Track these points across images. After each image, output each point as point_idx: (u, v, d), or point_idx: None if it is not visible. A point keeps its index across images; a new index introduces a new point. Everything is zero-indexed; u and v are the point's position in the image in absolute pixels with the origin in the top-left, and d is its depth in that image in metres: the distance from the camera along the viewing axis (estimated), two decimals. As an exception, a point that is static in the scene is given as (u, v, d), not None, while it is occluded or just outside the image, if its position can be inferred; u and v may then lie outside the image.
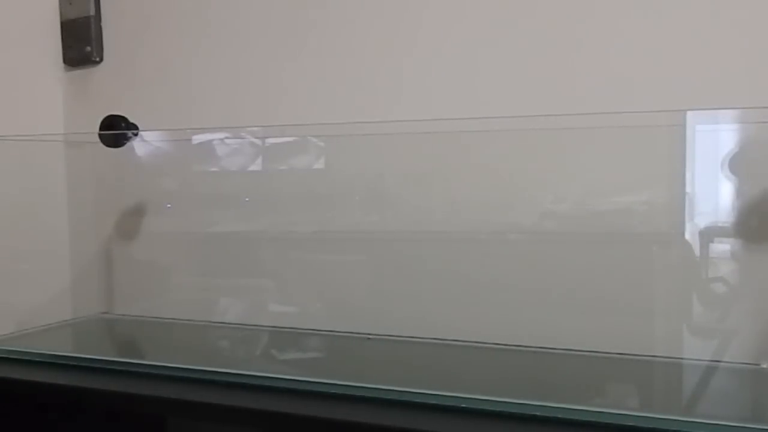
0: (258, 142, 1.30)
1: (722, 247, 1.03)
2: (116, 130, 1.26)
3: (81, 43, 1.43)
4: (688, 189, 1.01)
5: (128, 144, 1.31)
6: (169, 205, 1.38)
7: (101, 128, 1.26)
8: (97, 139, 1.30)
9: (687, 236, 1.02)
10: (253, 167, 1.34)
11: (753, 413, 0.89)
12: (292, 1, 1.27)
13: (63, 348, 1.23)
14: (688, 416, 0.76)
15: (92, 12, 1.42)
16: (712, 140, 1.02)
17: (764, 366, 0.93)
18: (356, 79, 1.22)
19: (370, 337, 1.15)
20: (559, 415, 0.77)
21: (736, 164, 0.99)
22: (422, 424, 0.77)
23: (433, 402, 0.82)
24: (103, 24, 1.43)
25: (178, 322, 1.30)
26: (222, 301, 1.32)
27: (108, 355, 1.09)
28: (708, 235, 1.02)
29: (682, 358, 1.02)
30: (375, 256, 1.22)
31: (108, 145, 1.29)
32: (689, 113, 0.97)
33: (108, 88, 1.42)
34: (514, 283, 1.11)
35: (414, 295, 1.17)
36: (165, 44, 1.38)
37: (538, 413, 0.78)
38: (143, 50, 1.39)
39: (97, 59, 1.43)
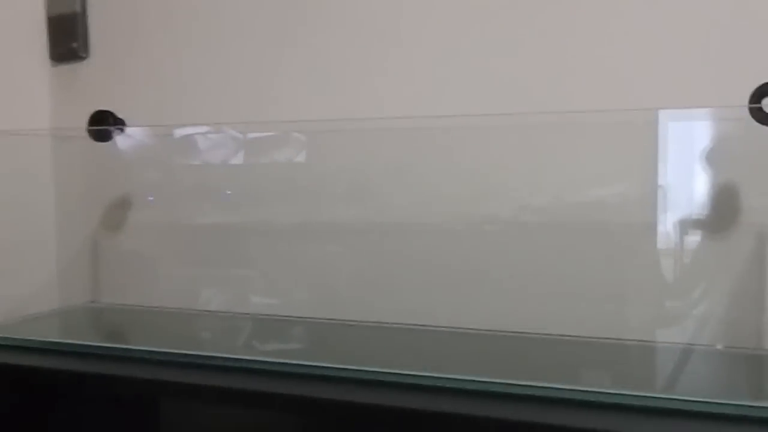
0: (240, 136, 1.34)
1: (692, 236, 1.08)
2: (104, 126, 1.30)
3: (67, 39, 1.46)
4: (660, 182, 1.07)
5: (115, 138, 1.35)
6: (151, 198, 1.41)
7: (90, 123, 1.30)
8: (84, 134, 1.33)
9: (659, 226, 1.08)
10: (235, 161, 1.38)
11: (710, 389, 0.94)
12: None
13: (53, 334, 1.26)
14: (653, 393, 0.81)
15: (79, 8, 1.45)
16: (684, 136, 1.07)
17: (719, 347, 0.99)
18: (342, 76, 1.26)
19: (352, 324, 1.20)
20: (537, 393, 0.82)
21: (707, 158, 1.05)
22: (398, 401, 0.82)
23: (410, 381, 0.87)
24: (90, 20, 1.46)
25: (164, 311, 1.34)
26: (206, 290, 1.36)
27: (97, 340, 1.13)
28: (678, 224, 1.07)
29: (651, 342, 1.08)
30: (356, 247, 1.27)
31: (96, 140, 1.32)
32: (661, 111, 1.02)
33: (94, 84, 1.45)
34: (491, 272, 1.16)
35: (394, 283, 1.21)
36: (151, 40, 1.41)
37: (516, 392, 0.83)
38: (129, 46, 1.42)
39: (84, 55, 1.45)
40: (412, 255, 1.21)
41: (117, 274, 1.43)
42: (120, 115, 1.33)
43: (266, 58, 1.32)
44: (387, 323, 1.19)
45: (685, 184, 1.09)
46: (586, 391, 0.81)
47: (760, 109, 0.92)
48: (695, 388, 0.93)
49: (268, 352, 1.12)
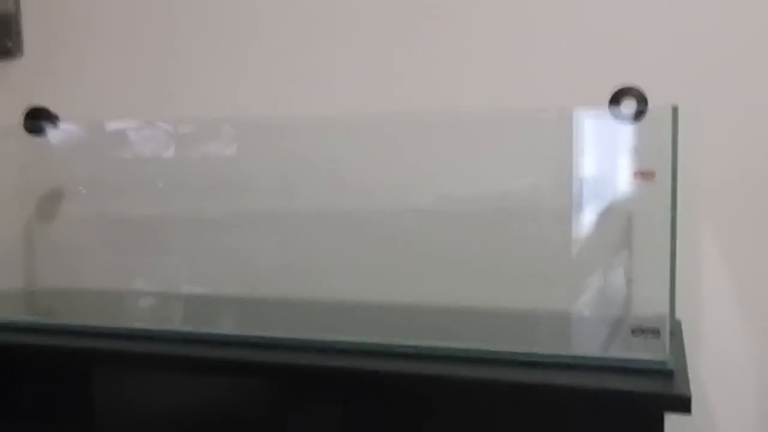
0: (171, 131, 1.43)
1: (598, 221, 1.22)
2: (39, 120, 1.38)
3: (2, 38, 1.53)
4: (574, 174, 1.19)
5: (48, 133, 1.43)
6: (83, 191, 1.50)
7: (25, 118, 1.38)
8: (18, 129, 1.41)
9: (571, 214, 1.21)
10: (166, 155, 1.47)
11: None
12: None
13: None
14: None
15: (12, 8, 1.52)
16: (597, 133, 1.19)
17: (586, 314, 1.14)
18: (265, 70, 1.37)
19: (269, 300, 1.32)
20: (453, 354, 0.96)
21: (616, 153, 1.19)
22: (298, 359, 0.95)
23: (309, 345, 1.00)
24: (23, 20, 1.53)
25: (95, 292, 1.43)
26: (135, 274, 1.45)
27: (33, 317, 1.22)
28: (588, 212, 1.21)
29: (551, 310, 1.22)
30: (280, 235, 1.38)
31: (30, 134, 1.40)
32: (574, 109, 1.15)
33: (28, 81, 1.52)
34: (412, 256, 1.28)
35: (317, 267, 1.33)
36: (82, 39, 1.49)
37: (443, 354, 0.97)
38: (62, 45, 1.51)
39: (18, 53, 1.53)
40: (335, 242, 1.32)
41: (51, 261, 1.51)
42: (54, 111, 1.41)
43: (194, 55, 1.42)
44: (308, 300, 1.31)
45: (596, 176, 1.22)
46: (505, 351, 0.96)
47: (619, 109, 1.06)
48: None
49: (189, 323, 1.23)
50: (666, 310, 0.95)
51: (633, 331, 0.94)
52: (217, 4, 1.40)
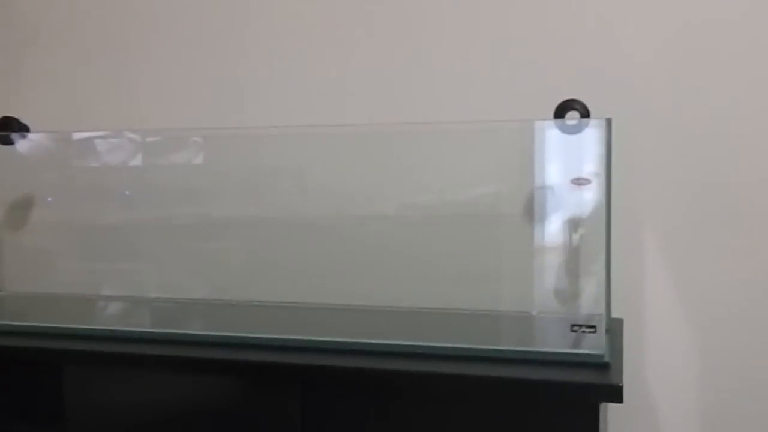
0: (138, 139, 1.48)
1: (556, 226, 1.28)
2: (10, 131, 1.42)
3: (-29, 50, 1.56)
4: (537, 182, 1.26)
5: (18, 143, 1.47)
6: (50, 199, 1.54)
7: (-2, 129, 1.42)
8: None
9: (532, 219, 1.28)
10: (134, 163, 1.51)
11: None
12: (172, 4, 1.47)
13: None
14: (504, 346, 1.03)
15: (-19, 21, 1.56)
16: (555, 144, 1.25)
17: (534, 313, 1.22)
18: (233, 86, 1.43)
19: (235, 303, 1.37)
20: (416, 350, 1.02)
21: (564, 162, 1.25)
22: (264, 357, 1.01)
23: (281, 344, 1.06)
24: (-8, 32, 1.57)
25: (64, 296, 1.47)
26: (102, 279, 1.49)
27: (4, 320, 1.26)
28: (546, 217, 1.27)
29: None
30: (247, 240, 1.43)
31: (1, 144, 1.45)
32: (536, 122, 1.22)
33: (-2, 91, 1.56)
34: (377, 258, 1.34)
35: (285, 271, 1.38)
36: (51, 53, 1.54)
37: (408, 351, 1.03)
38: (31, 58, 1.55)
39: (-13, 64, 1.57)
40: (303, 247, 1.37)
41: (19, 267, 1.54)
42: (23, 122, 1.46)
43: (162, 66, 1.47)
44: (272, 302, 1.36)
45: (555, 184, 1.28)
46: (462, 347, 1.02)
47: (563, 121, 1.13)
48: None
49: (154, 324, 1.28)
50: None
51: (572, 327, 1.01)
52: (183, 13, 1.46)
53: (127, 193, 1.49)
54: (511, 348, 1.02)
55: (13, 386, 1.13)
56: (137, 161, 1.50)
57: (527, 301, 1.27)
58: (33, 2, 1.54)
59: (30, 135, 1.45)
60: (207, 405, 1.04)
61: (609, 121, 0.99)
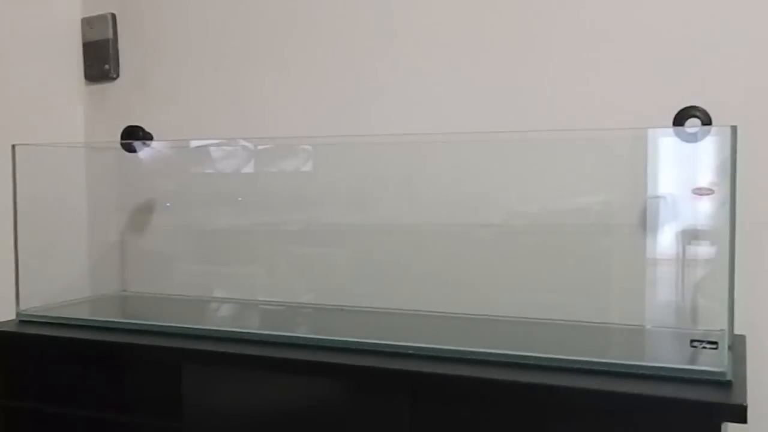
0: (251, 147, 1.53)
1: (672, 237, 1.24)
2: (135, 139, 1.50)
3: (100, 62, 1.66)
4: (650, 191, 1.23)
5: (140, 151, 1.54)
6: (168, 204, 1.61)
7: (122, 137, 1.50)
8: (115, 146, 1.54)
9: (645, 229, 1.24)
10: (246, 170, 1.56)
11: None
12: (284, 23, 1.51)
13: (95, 314, 1.48)
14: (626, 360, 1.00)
15: (111, 35, 1.65)
16: (673, 152, 1.23)
17: (648, 327, 1.17)
18: (345, 95, 1.46)
19: (343, 308, 1.39)
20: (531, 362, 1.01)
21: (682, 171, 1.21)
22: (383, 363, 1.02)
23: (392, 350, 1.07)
24: (120, 45, 1.66)
25: (183, 298, 1.53)
26: (216, 281, 1.55)
27: (131, 319, 1.33)
28: (661, 228, 1.23)
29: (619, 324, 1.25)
30: (355, 247, 1.45)
31: (127, 152, 1.53)
32: (650, 130, 1.18)
33: (124, 101, 1.65)
34: (486, 268, 1.33)
35: (392, 278, 1.39)
36: (174, 63, 1.61)
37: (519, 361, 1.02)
38: (155, 68, 1.63)
39: (115, 76, 1.65)
40: (409, 254, 1.39)
41: (141, 269, 1.62)
42: (147, 130, 1.53)
43: (273, 77, 1.51)
44: (376, 308, 1.38)
45: (670, 194, 1.24)
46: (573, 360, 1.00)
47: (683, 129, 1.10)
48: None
49: (268, 327, 1.31)
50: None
51: (692, 343, 0.97)
52: (296, 29, 1.50)
53: (239, 199, 1.54)
54: (625, 361, 0.99)
55: (133, 381, 1.19)
56: (250, 168, 1.55)
57: (640, 314, 1.24)
58: (167, 19, 1.62)
59: (151, 143, 1.53)
60: (316, 408, 1.06)
61: (734, 129, 0.95)
